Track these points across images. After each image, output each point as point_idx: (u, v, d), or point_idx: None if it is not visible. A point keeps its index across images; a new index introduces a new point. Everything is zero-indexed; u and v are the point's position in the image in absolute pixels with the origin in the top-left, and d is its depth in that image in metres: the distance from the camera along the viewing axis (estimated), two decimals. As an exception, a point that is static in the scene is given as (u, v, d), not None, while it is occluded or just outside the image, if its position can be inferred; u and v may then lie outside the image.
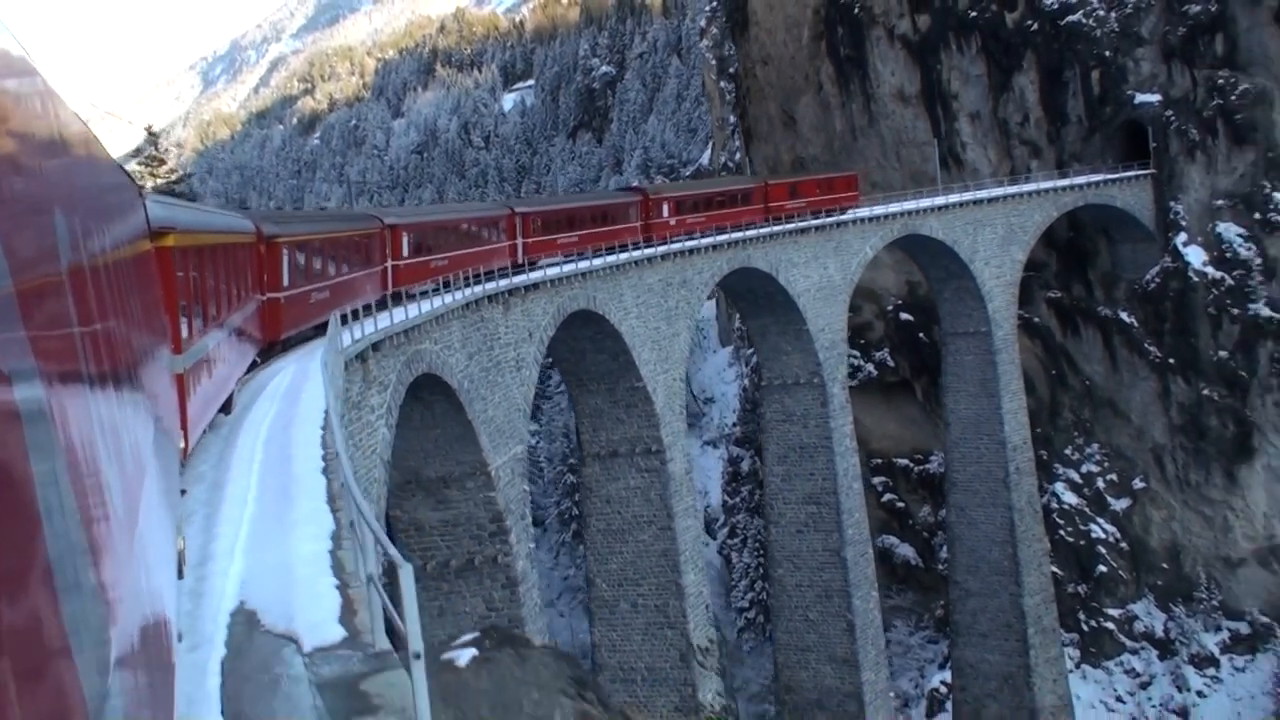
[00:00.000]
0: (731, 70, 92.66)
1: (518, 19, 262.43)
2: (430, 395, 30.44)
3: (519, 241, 40.66)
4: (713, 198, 53.84)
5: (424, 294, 31.24)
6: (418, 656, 4.52)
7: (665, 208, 49.75)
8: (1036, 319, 71.22)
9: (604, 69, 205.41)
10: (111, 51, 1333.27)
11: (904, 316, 76.56)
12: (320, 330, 22.53)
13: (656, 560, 45.79)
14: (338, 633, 6.04)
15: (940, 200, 60.71)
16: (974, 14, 71.62)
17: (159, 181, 61.01)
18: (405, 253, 32.53)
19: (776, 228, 53.11)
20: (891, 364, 78.01)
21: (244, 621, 6.44)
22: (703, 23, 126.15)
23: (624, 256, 42.82)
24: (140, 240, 7.41)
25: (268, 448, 11.41)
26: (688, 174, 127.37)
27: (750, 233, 52.08)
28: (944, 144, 73.28)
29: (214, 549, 7.93)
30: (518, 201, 49.21)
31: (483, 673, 18.20)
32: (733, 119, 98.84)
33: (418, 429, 31.37)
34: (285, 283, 21.54)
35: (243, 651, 5.96)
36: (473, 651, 18.87)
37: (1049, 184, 64.62)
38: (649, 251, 45.05)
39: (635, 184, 56.74)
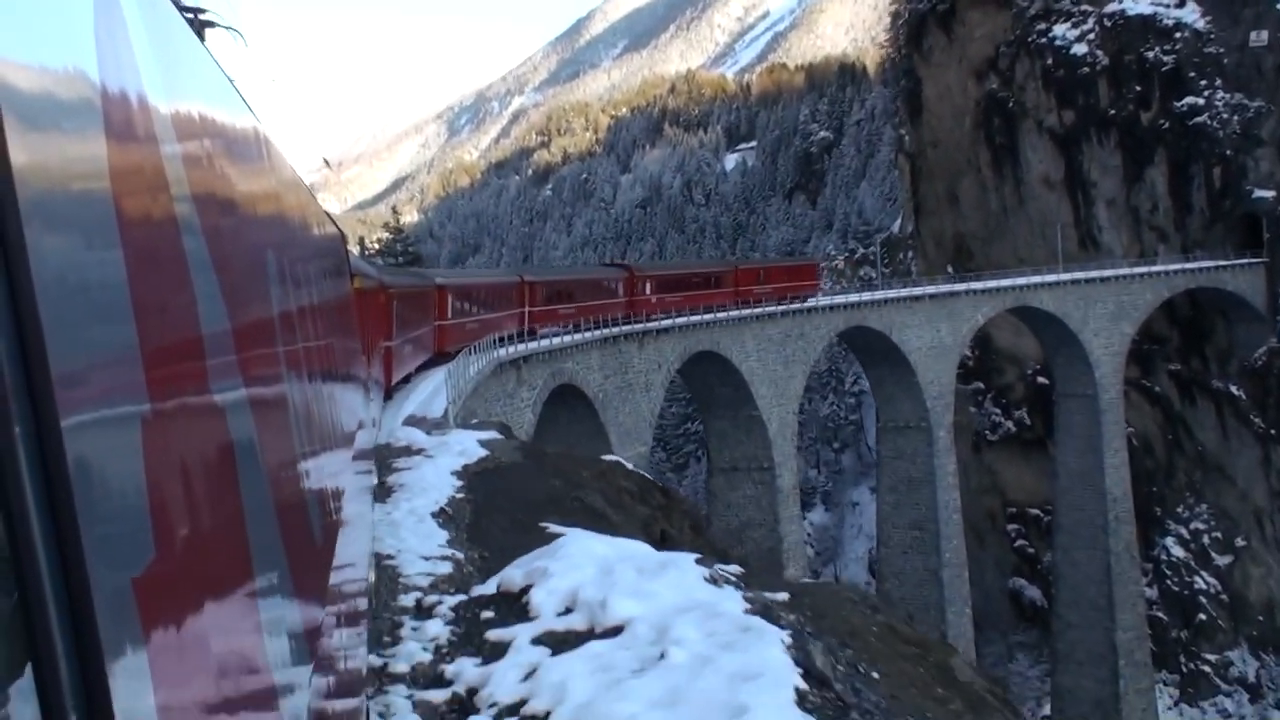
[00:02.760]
0: (908, 149, 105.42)
1: (745, 81, 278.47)
2: (574, 401, 45.08)
3: (525, 309, 43.29)
4: (690, 278, 57.24)
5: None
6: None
7: (648, 285, 52.61)
8: (1157, 388, 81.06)
9: (822, 134, 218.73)
10: (368, 98, 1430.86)
11: (1040, 380, 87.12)
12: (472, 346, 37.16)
13: (764, 556, 58.97)
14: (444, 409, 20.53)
15: (1051, 278, 72.01)
16: (1113, 111, 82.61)
17: (389, 236, 79.78)
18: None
19: (892, 293, 66.00)
20: (1029, 422, 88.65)
21: (408, 417, 20.93)
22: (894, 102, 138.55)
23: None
24: (342, 278, 9.65)
25: (425, 392, 26.18)
26: (881, 239, 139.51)
27: (865, 295, 65.19)
28: (1082, 226, 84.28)
29: (398, 410, 22.54)
30: (525, 270, 52.69)
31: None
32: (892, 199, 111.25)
33: (565, 424, 46.00)
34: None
35: (411, 416, 20.49)
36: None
37: (1159, 268, 74.99)
38: (771, 309, 58.78)
39: (623, 262, 60.95)
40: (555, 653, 7.39)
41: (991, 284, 71.24)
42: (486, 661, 7.63)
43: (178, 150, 2.10)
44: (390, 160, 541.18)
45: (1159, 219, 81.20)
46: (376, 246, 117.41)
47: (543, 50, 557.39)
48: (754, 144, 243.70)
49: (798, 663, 6.40)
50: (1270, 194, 75.91)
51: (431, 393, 26.71)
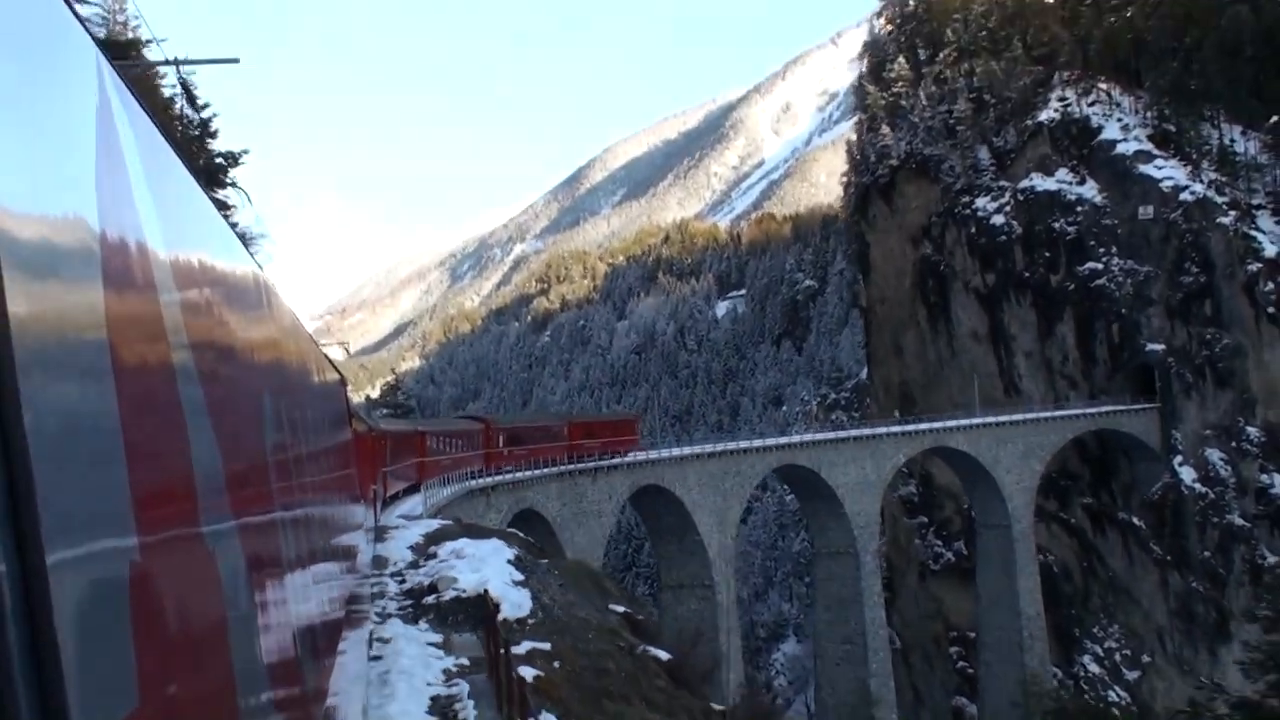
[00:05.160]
0: (862, 304, 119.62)
1: (736, 231, 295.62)
2: (536, 523, 57.69)
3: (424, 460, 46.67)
4: (534, 432, 60.93)
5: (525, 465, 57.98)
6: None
7: (501, 438, 56.06)
8: (1073, 520, 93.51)
9: (807, 282, 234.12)
10: (372, 245, 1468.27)
11: (974, 514, 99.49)
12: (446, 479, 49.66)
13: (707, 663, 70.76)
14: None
15: (964, 421, 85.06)
16: (1028, 274, 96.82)
17: (388, 385, 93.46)
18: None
19: (821, 435, 79.07)
20: (965, 552, 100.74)
21: (401, 514, 33.72)
22: (849, 262, 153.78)
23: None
24: (341, 416, 10.67)
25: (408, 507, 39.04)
26: (850, 385, 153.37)
27: (801, 437, 78.26)
28: (1005, 376, 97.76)
29: (394, 510, 35.28)
30: (421, 422, 56.46)
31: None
32: (862, 346, 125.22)
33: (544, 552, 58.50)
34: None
35: (403, 514, 33.26)
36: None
37: (1061, 412, 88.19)
38: (711, 447, 71.69)
39: (481, 415, 68.22)
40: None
41: (910, 427, 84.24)
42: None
43: (176, 298, 2.23)
44: (393, 306, 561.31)
45: (1069, 369, 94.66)
46: (378, 394, 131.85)
47: (544, 198, 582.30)
48: (744, 291, 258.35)
49: (514, 559, 18.99)
50: (1160, 347, 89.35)
51: (416, 503, 39.60)
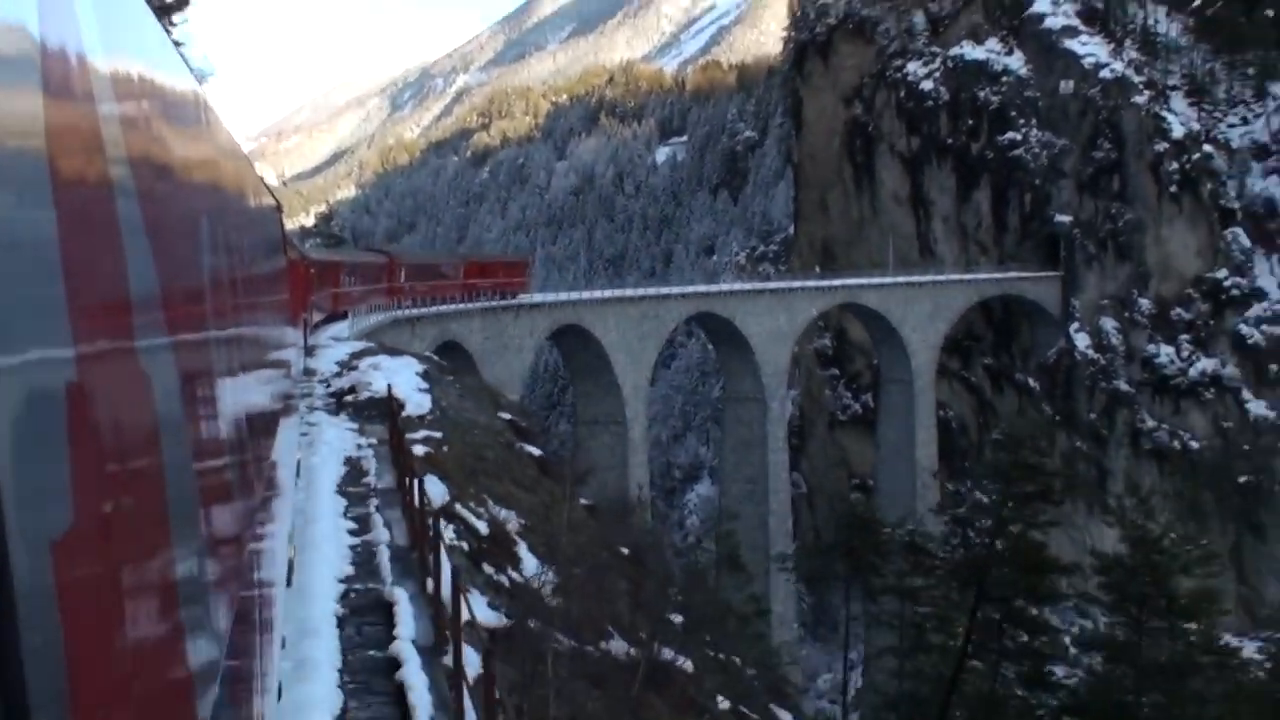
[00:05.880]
0: (794, 160, 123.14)
1: (681, 76, 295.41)
2: (457, 356, 61.76)
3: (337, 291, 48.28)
4: (434, 269, 63.08)
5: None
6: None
7: (403, 273, 57.80)
8: (973, 379, 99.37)
9: (748, 133, 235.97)
10: (311, 67, 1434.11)
11: (881, 368, 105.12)
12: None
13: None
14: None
15: (876, 280, 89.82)
16: (950, 141, 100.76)
17: (320, 213, 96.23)
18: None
19: (739, 285, 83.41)
20: (872, 405, 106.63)
21: (330, 336, 37.65)
22: (782, 116, 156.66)
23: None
24: (276, 242, 11.37)
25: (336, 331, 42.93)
26: (780, 239, 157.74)
27: (719, 286, 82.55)
28: (922, 238, 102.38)
29: (323, 332, 39.21)
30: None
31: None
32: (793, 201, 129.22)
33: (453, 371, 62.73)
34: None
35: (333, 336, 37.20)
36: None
37: (969, 276, 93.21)
38: (630, 292, 75.82)
39: (385, 249, 68.93)
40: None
41: (824, 283, 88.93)
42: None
43: (115, 110, 2.18)
44: (331, 132, 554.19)
45: (982, 235, 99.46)
46: (313, 223, 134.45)
47: (490, 29, 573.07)
48: (685, 138, 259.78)
49: (422, 373, 23.10)
50: (1068, 219, 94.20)
51: (343, 328, 43.49)
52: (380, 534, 12.80)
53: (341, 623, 10.37)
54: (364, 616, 10.62)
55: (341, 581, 11.38)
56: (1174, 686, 33.61)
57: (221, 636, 3.30)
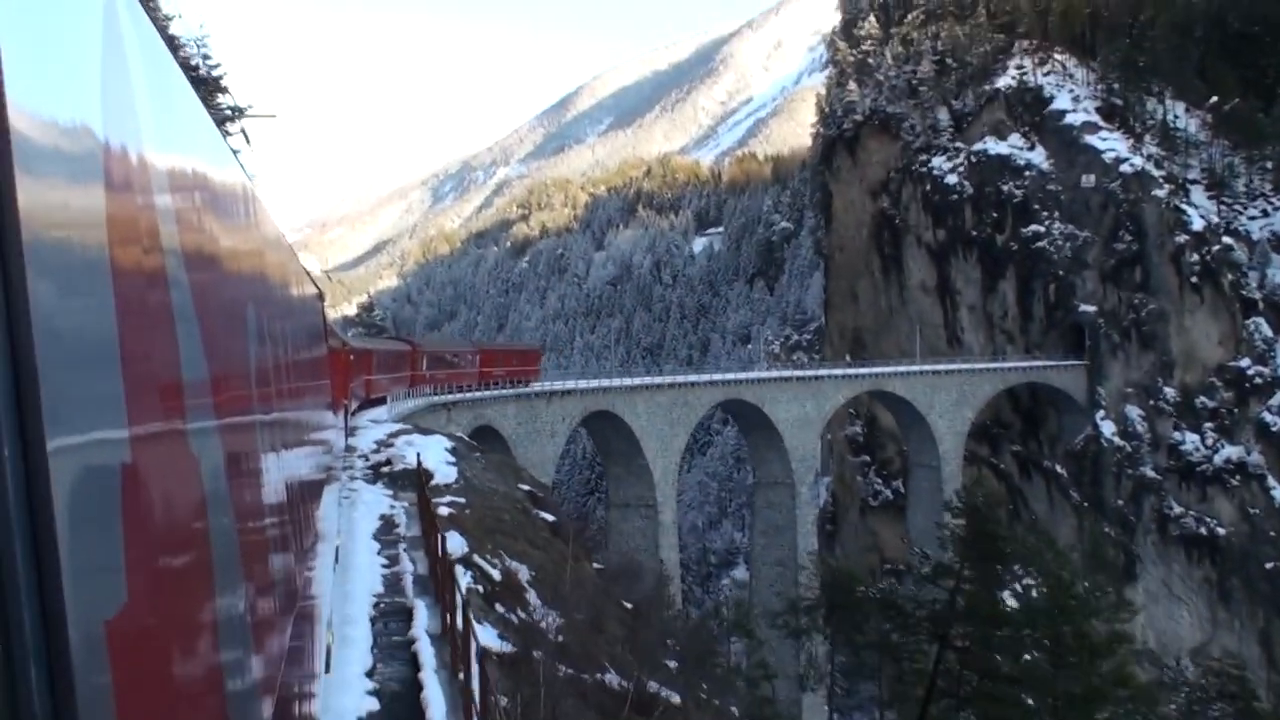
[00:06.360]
0: (824, 252, 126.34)
1: (717, 168, 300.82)
2: (492, 439, 64.49)
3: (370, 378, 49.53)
4: (451, 357, 64.98)
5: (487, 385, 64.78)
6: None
7: (424, 361, 59.76)
8: (1001, 465, 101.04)
9: (783, 224, 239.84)
10: (355, 161, 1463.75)
11: (909, 454, 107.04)
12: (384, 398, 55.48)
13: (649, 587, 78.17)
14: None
15: (902, 369, 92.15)
16: (975, 233, 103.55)
17: (362, 305, 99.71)
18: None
19: (767, 373, 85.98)
20: (903, 490, 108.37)
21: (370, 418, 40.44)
22: (813, 210, 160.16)
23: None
24: (318, 330, 12.23)
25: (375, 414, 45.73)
26: (813, 328, 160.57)
27: (748, 374, 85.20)
28: (950, 328, 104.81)
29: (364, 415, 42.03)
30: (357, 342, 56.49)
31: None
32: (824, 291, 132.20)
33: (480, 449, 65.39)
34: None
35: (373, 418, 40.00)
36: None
37: (994, 365, 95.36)
38: (660, 379, 78.51)
39: (409, 338, 68.87)
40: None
41: (850, 371, 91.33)
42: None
43: (170, 205, 2.27)
44: (373, 223, 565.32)
45: (1008, 324, 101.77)
46: (354, 312, 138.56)
47: (530, 123, 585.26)
48: (722, 229, 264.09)
49: (451, 449, 25.56)
50: (1092, 309, 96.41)
51: (381, 412, 46.37)
52: (406, 566, 15.55)
53: (373, 620, 13.05)
54: (390, 617, 13.36)
55: (374, 595, 13.94)
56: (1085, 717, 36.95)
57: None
